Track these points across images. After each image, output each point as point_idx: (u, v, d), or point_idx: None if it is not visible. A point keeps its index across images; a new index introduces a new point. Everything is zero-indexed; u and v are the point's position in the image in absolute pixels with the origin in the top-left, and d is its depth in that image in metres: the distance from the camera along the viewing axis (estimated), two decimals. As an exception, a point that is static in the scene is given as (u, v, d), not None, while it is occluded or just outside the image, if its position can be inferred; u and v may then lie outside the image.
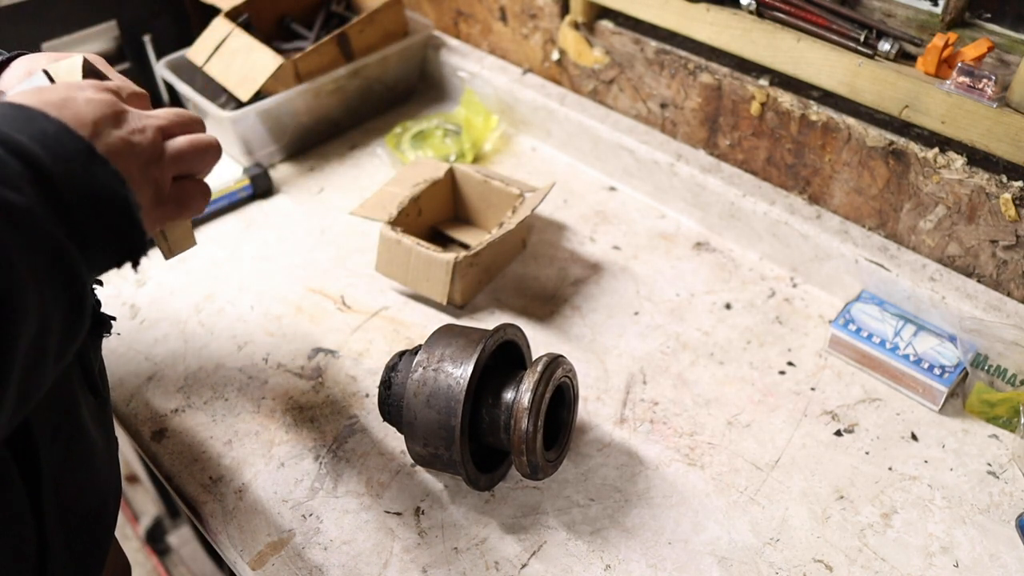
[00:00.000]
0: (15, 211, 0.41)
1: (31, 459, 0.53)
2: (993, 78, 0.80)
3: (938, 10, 0.92)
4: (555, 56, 1.22)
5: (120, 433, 0.86)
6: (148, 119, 0.55)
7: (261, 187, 1.15)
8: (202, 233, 1.09)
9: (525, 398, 0.70)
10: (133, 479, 1.73)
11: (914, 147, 0.90)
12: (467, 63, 1.30)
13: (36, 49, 1.27)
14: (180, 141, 0.57)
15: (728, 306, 0.98)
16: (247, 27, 1.20)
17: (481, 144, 1.22)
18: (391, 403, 0.76)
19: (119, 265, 0.50)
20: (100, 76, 0.66)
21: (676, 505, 0.78)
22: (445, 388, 0.71)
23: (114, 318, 0.67)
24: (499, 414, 0.74)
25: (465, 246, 1.05)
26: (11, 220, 0.41)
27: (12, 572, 0.53)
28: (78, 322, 0.46)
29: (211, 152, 0.60)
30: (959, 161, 0.87)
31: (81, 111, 0.49)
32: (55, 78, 0.62)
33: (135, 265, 0.51)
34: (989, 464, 0.81)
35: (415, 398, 0.72)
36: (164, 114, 0.58)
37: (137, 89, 0.59)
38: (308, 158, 1.23)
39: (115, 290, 1.00)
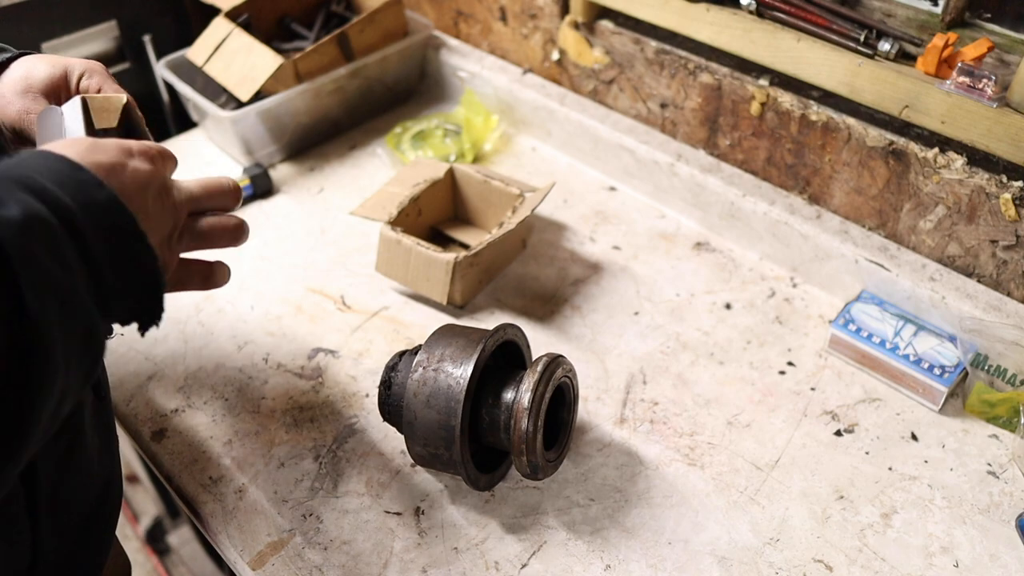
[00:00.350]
0: (63, 290, 0.42)
1: (30, 461, 0.53)
2: (993, 78, 0.80)
3: (938, 10, 0.92)
4: (555, 56, 1.22)
5: (120, 433, 0.86)
6: (181, 193, 0.55)
7: (261, 187, 1.15)
8: (202, 233, 1.09)
9: (525, 398, 0.70)
10: (133, 479, 1.73)
11: (914, 147, 0.90)
12: (467, 63, 1.30)
13: (36, 49, 1.27)
14: (204, 224, 0.58)
15: (728, 306, 0.98)
16: (247, 27, 1.20)
17: (481, 144, 1.22)
18: (391, 403, 0.76)
19: (125, 325, 0.50)
20: (136, 120, 0.66)
21: (676, 505, 0.78)
22: (445, 388, 0.71)
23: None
24: (499, 414, 0.74)
25: (465, 246, 1.05)
26: (59, 298, 0.41)
27: (4, 572, 0.53)
28: (87, 386, 0.47)
29: (230, 235, 0.60)
30: (959, 161, 0.87)
31: (127, 182, 0.49)
32: (91, 109, 0.62)
33: (143, 332, 0.51)
34: (989, 464, 0.81)
35: (415, 398, 0.72)
36: (195, 189, 0.57)
37: (167, 149, 0.58)
38: (308, 158, 1.23)
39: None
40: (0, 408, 0.39)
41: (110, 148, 0.51)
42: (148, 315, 0.50)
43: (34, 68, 0.66)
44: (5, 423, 0.39)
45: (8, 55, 0.67)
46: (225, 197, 0.60)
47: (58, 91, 0.67)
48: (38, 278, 0.40)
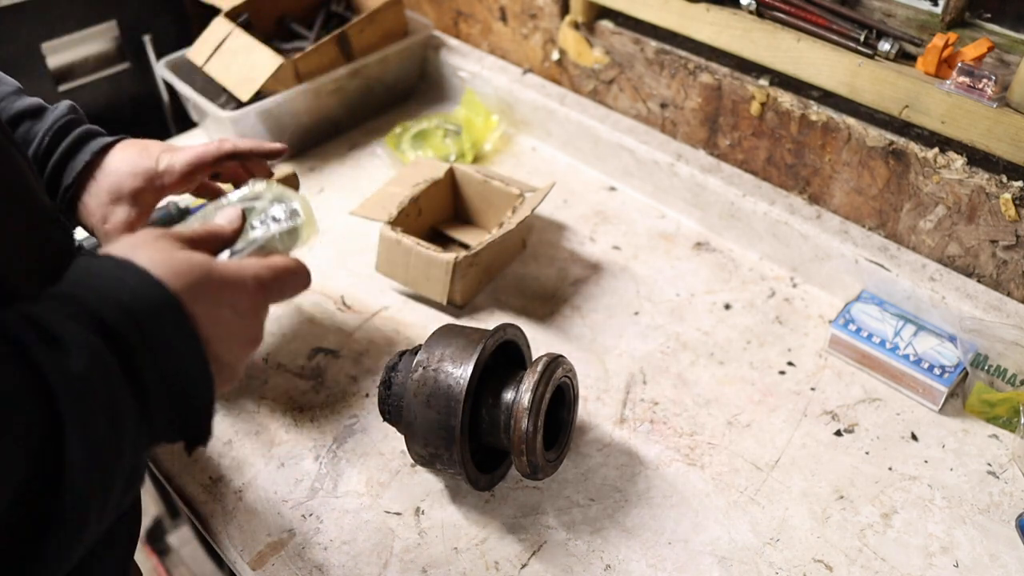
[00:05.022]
0: (109, 451, 0.41)
1: None
2: (993, 78, 0.80)
3: (938, 10, 0.92)
4: (555, 56, 1.22)
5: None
6: (258, 316, 0.52)
7: (261, 187, 1.15)
8: (202, 233, 1.09)
9: (525, 398, 0.70)
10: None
11: (914, 147, 0.90)
12: (467, 63, 1.30)
13: (36, 49, 1.27)
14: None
15: (728, 306, 0.98)
16: (247, 27, 1.20)
17: (481, 144, 1.22)
18: (391, 403, 0.76)
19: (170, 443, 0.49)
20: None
21: (676, 505, 0.78)
22: (445, 388, 0.71)
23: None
24: (499, 414, 0.74)
25: (465, 246, 1.05)
26: (102, 460, 0.40)
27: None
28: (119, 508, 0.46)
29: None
30: (959, 161, 0.87)
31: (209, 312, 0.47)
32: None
33: (189, 451, 0.51)
34: (989, 464, 0.81)
35: (415, 398, 0.72)
36: (266, 281, 0.53)
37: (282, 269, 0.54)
38: (308, 158, 1.23)
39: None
40: (14, 551, 0.38)
41: (200, 268, 0.48)
42: (195, 439, 0.49)
43: (151, 150, 0.71)
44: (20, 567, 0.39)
45: (108, 140, 0.71)
46: (297, 285, 0.55)
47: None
48: (88, 441, 0.39)
